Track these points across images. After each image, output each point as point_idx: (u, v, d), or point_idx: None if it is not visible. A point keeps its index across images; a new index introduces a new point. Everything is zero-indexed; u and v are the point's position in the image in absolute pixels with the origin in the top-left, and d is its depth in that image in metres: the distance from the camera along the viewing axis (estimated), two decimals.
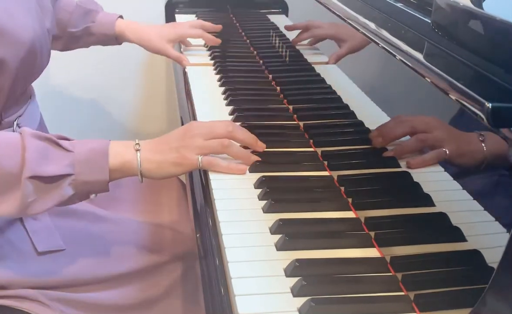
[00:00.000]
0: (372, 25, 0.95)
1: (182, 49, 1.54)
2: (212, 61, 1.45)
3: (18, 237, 1.04)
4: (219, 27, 1.52)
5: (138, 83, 2.10)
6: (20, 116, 1.08)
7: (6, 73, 0.98)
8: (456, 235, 0.72)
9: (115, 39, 1.44)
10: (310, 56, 1.32)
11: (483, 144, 0.68)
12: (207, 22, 1.53)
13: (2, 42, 0.96)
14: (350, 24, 1.03)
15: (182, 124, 1.23)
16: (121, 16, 1.45)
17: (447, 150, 0.78)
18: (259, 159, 0.96)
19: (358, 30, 0.99)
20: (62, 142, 0.88)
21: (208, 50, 1.53)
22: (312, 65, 1.28)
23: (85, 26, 1.40)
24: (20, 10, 1.03)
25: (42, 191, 0.86)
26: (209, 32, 1.50)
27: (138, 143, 0.93)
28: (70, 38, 1.41)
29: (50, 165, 0.86)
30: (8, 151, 0.85)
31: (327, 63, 1.21)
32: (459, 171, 0.75)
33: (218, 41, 1.49)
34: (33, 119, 1.14)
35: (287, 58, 1.40)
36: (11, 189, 0.85)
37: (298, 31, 1.39)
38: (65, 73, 2.00)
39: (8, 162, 0.84)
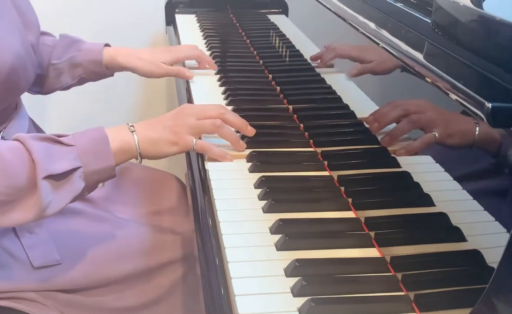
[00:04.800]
0: (372, 25, 0.95)
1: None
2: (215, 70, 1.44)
3: (15, 249, 1.03)
4: (214, 67, 1.39)
5: (138, 84, 2.10)
6: (5, 128, 1.06)
7: None
8: (456, 235, 0.72)
9: (105, 67, 1.28)
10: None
11: (477, 127, 0.69)
12: (206, 55, 1.41)
13: None
14: (350, 24, 1.03)
15: None
16: (108, 44, 1.31)
17: (436, 134, 0.80)
18: (245, 146, 1.00)
19: (358, 30, 0.99)
20: (61, 139, 0.89)
21: (208, 50, 1.53)
22: (312, 66, 1.29)
23: (69, 56, 1.26)
24: (4, 28, 1.00)
25: (57, 189, 0.86)
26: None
27: (132, 126, 0.95)
28: (53, 73, 1.27)
29: (58, 162, 0.86)
30: (16, 158, 0.84)
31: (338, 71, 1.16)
32: (459, 171, 0.75)
33: (215, 67, 1.38)
34: (20, 130, 1.10)
35: (287, 58, 1.40)
36: (26, 195, 0.84)
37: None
38: None
39: (19, 168, 0.84)
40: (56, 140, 0.88)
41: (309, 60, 1.31)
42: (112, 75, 1.33)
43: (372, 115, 0.97)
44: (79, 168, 0.88)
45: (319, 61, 1.28)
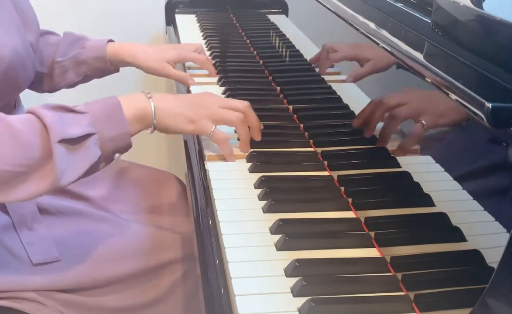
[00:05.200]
0: (372, 25, 0.95)
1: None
2: (213, 62, 1.45)
3: (15, 245, 1.03)
4: (214, 75, 1.35)
5: (138, 83, 2.10)
6: None
7: None
8: (456, 235, 0.72)
9: (109, 62, 1.27)
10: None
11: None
12: (209, 64, 1.38)
13: None
14: (350, 24, 1.03)
15: None
16: (111, 40, 1.30)
17: (423, 122, 0.79)
18: (251, 149, 1.00)
19: (358, 30, 0.99)
20: (73, 107, 0.87)
21: (208, 50, 1.53)
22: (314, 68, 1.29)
23: (74, 54, 1.25)
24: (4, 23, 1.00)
25: (72, 155, 0.84)
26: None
27: (148, 92, 0.93)
28: (57, 70, 1.26)
29: (72, 128, 0.83)
30: (28, 128, 0.82)
31: (343, 81, 1.13)
32: (459, 171, 0.75)
33: (215, 75, 1.35)
34: None
35: (287, 58, 1.40)
36: (41, 164, 0.82)
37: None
38: None
39: (32, 137, 0.82)
40: (68, 108, 0.87)
41: (309, 61, 1.31)
42: (118, 70, 1.32)
43: (357, 119, 0.97)
44: (93, 134, 0.85)
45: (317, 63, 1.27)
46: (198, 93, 1.00)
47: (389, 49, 0.85)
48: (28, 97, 1.25)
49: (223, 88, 1.28)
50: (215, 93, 1.03)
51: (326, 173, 0.96)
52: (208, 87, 1.29)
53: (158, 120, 0.93)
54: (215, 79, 1.35)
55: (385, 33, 0.90)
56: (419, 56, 0.77)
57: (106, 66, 1.28)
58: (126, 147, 0.90)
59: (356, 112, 1.06)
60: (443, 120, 0.76)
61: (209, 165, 0.97)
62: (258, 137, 1.01)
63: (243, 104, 1.00)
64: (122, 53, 1.28)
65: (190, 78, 1.31)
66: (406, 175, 0.85)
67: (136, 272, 1.11)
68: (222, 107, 0.97)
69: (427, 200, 0.80)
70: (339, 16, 1.10)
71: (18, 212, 1.05)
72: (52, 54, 1.27)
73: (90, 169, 0.86)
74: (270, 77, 1.34)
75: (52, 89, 1.31)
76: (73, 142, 0.83)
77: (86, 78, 1.31)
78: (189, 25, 1.77)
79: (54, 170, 0.81)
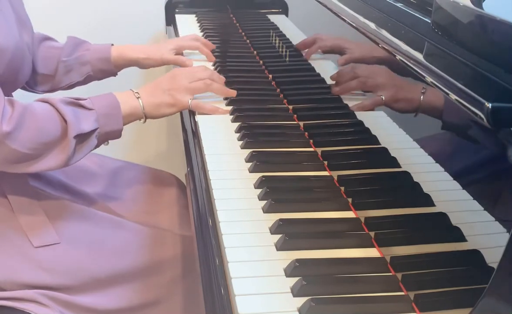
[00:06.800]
0: (372, 25, 0.95)
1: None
2: (212, 62, 1.45)
3: (14, 231, 1.04)
4: (212, 46, 1.48)
5: (138, 82, 2.10)
6: None
7: None
8: (456, 235, 0.72)
9: (111, 63, 1.33)
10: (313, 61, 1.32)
11: (421, 97, 0.79)
12: (204, 39, 1.49)
13: None
14: (350, 24, 1.03)
15: (182, 122, 1.24)
16: (113, 45, 1.36)
17: (383, 97, 0.92)
18: (236, 92, 1.19)
19: (358, 30, 0.99)
20: (83, 102, 1.03)
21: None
22: (313, 66, 1.29)
23: (78, 55, 1.32)
24: (2, 19, 1.03)
25: (80, 145, 1.02)
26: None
27: (137, 92, 1.11)
28: (62, 69, 1.31)
29: (83, 123, 1.01)
30: (50, 120, 0.99)
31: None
32: (459, 171, 0.75)
33: (213, 58, 1.44)
34: None
35: (287, 58, 1.40)
36: (57, 147, 0.99)
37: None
38: None
39: (53, 129, 0.98)
40: (79, 104, 1.03)
41: (309, 61, 1.31)
42: (116, 74, 1.37)
43: (334, 79, 1.11)
44: (97, 129, 1.03)
45: (306, 50, 1.34)
46: (169, 74, 1.17)
47: (389, 49, 0.85)
48: (28, 97, 1.25)
49: None
50: (182, 69, 1.22)
51: (326, 173, 0.96)
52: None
53: (146, 113, 1.11)
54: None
55: (385, 33, 0.90)
56: (419, 56, 0.77)
57: (109, 68, 1.34)
58: (116, 138, 1.08)
59: (356, 112, 1.06)
60: (401, 105, 0.89)
61: (209, 165, 0.97)
62: (232, 93, 1.19)
63: (206, 72, 1.19)
64: (127, 52, 1.35)
65: (187, 59, 1.39)
66: (406, 175, 0.85)
67: (136, 272, 1.11)
68: (191, 82, 1.15)
69: (427, 200, 0.80)
70: (339, 16, 1.10)
71: (16, 197, 1.06)
72: (57, 56, 1.31)
73: (88, 153, 1.04)
74: (270, 77, 1.34)
75: (53, 89, 1.34)
76: (84, 136, 1.01)
77: (87, 80, 1.35)
78: (189, 25, 1.77)
79: (66, 155, 0.99)
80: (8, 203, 1.05)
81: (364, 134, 0.98)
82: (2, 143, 0.94)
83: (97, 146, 1.06)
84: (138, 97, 1.10)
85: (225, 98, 1.23)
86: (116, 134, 1.07)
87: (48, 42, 1.32)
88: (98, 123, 1.03)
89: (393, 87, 0.91)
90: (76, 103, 1.03)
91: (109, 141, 1.09)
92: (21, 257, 1.03)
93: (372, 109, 0.99)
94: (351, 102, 1.08)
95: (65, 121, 0.99)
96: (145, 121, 1.12)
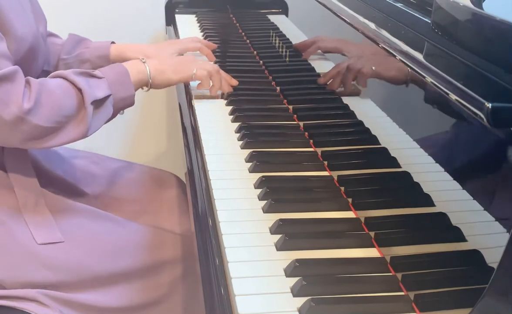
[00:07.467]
0: (372, 25, 0.95)
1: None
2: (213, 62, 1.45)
3: (18, 228, 1.04)
4: (214, 46, 1.49)
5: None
6: None
7: None
8: (456, 235, 0.72)
9: (111, 62, 1.32)
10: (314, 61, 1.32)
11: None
12: (206, 41, 1.50)
13: (8, 37, 1.00)
14: (349, 24, 1.03)
15: (182, 122, 1.23)
16: (113, 42, 1.36)
17: (373, 67, 0.96)
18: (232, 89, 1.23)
19: (358, 30, 0.99)
20: (93, 72, 1.07)
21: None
22: (312, 65, 1.29)
23: (78, 52, 1.32)
24: (20, 9, 1.05)
25: (97, 112, 1.05)
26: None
27: (143, 58, 1.17)
28: (62, 67, 1.31)
29: (96, 90, 1.04)
30: (65, 91, 1.02)
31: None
32: (459, 171, 0.75)
33: (213, 58, 1.43)
34: None
35: (287, 58, 1.40)
36: (77, 118, 1.02)
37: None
38: None
39: (70, 98, 1.02)
40: (90, 74, 1.06)
41: (309, 61, 1.31)
42: None
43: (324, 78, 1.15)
44: (110, 95, 1.06)
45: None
46: (178, 57, 1.28)
47: (389, 49, 0.85)
48: None
49: None
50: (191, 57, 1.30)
51: (326, 173, 0.96)
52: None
53: (152, 78, 1.15)
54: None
55: (385, 33, 0.90)
56: (419, 56, 0.77)
57: (107, 64, 1.29)
58: (130, 105, 1.12)
59: (356, 113, 1.06)
60: (392, 73, 0.91)
61: (209, 165, 0.97)
62: (229, 87, 1.23)
63: (213, 67, 1.23)
64: (126, 52, 1.35)
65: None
66: (406, 175, 0.85)
67: (136, 272, 1.11)
68: (198, 68, 1.21)
69: (427, 200, 0.80)
70: (339, 16, 1.10)
71: (24, 192, 1.07)
72: (58, 53, 1.31)
73: (105, 123, 1.08)
74: (270, 77, 1.34)
75: None
76: (99, 102, 1.05)
77: None
78: (189, 25, 1.77)
79: (85, 124, 1.02)
80: (15, 197, 1.05)
81: (364, 134, 0.98)
82: (25, 120, 0.97)
83: (113, 116, 1.09)
84: (144, 62, 1.15)
85: (225, 98, 1.23)
86: (129, 101, 1.11)
87: (51, 39, 1.32)
88: (111, 90, 1.06)
89: (379, 57, 0.92)
90: (87, 73, 1.06)
91: (123, 112, 1.12)
92: (23, 254, 1.03)
93: (365, 86, 1.02)
94: (350, 101, 1.09)
95: (80, 90, 1.02)
96: (149, 89, 1.16)
